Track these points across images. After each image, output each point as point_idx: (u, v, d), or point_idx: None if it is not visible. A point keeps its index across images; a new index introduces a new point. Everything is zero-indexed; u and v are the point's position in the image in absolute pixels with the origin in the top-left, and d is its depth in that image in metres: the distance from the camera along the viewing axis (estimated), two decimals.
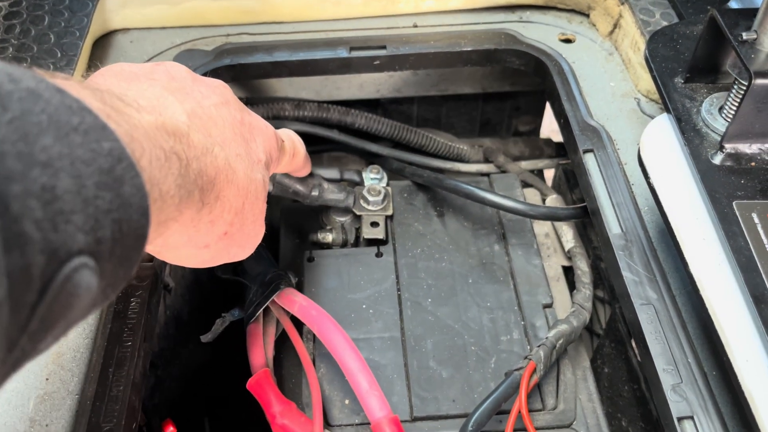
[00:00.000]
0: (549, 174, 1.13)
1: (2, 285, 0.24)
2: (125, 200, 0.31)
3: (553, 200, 0.89)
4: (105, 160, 0.30)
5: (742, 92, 0.52)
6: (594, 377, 0.75)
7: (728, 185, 0.53)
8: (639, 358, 0.77)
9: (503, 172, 0.96)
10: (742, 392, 0.48)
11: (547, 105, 1.11)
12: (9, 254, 0.24)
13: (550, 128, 1.22)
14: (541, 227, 0.89)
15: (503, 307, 0.77)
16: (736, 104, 0.55)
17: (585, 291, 0.77)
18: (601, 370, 0.83)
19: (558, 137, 1.06)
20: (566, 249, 0.84)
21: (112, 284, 0.32)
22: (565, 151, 1.01)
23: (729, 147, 0.55)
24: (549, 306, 0.78)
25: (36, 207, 0.26)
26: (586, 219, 0.77)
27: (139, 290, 0.60)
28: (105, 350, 0.56)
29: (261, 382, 0.65)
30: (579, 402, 0.72)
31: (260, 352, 0.69)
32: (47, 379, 0.56)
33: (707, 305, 0.50)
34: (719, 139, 0.56)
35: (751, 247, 0.48)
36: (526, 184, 0.93)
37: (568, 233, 0.85)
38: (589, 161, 0.71)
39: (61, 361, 0.57)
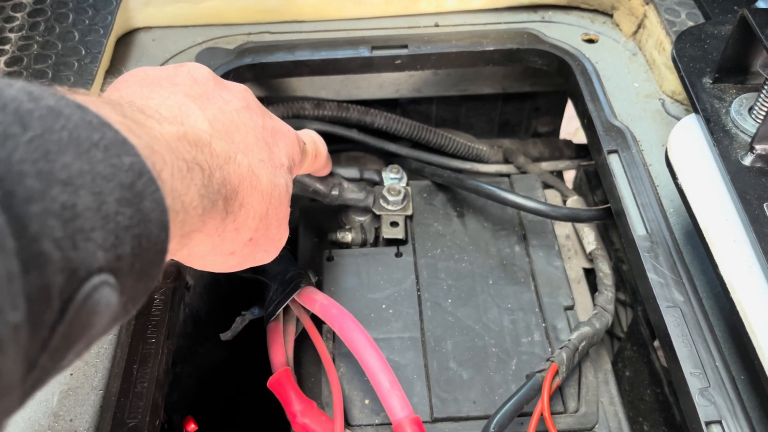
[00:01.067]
0: (568, 176, 1.12)
1: (21, 308, 0.24)
2: (145, 215, 0.31)
3: (574, 202, 0.89)
4: (125, 175, 0.30)
5: None
6: (615, 380, 0.74)
7: (759, 187, 0.52)
8: (663, 362, 0.76)
9: (523, 173, 0.96)
10: None
11: (567, 106, 1.10)
12: (27, 275, 0.24)
13: (566, 131, 1.21)
14: (562, 229, 0.88)
15: (524, 308, 0.77)
16: (767, 105, 0.54)
17: (607, 293, 0.76)
18: (622, 374, 0.82)
19: (576, 139, 1.05)
20: (588, 251, 0.84)
21: (133, 299, 0.32)
22: (584, 153, 1.01)
23: (759, 148, 0.54)
24: (570, 308, 0.77)
25: (56, 226, 0.25)
26: (609, 221, 0.76)
27: (163, 287, 0.60)
28: (129, 347, 0.56)
29: (281, 381, 0.65)
30: (601, 405, 0.71)
31: (281, 351, 0.69)
32: (71, 375, 0.56)
33: (738, 307, 0.49)
34: (749, 140, 0.55)
35: None
36: (546, 186, 0.93)
37: (589, 235, 0.84)
38: (614, 162, 0.71)
39: (86, 357, 0.57)
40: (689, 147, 0.58)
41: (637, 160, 0.70)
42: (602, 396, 0.73)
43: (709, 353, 0.55)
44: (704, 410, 0.52)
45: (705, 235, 0.53)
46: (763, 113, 0.55)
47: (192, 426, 0.63)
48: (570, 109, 1.05)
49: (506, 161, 1.00)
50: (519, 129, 1.12)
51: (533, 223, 0.85)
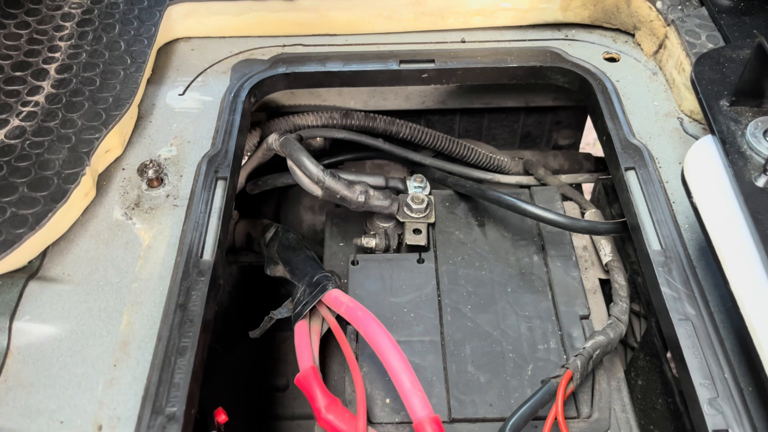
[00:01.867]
0: (587, 188, 1.14)
1: None
2: None
3: (592, 214, 0.91)
4: None
5: None
6: (628, 390, 0.77)
7: None
8: (675, 372, 0.78)
9: (543, 184, 0.98)
10: None
11: (588, 120, 1.13)
12: None
13: (584, 141, 1.23)
14: (580, 240, 0.91)
15: (541, 316, 0.79)
16: None
17: (622, 304, 0.79)
18: (634, 383, 0.84)
19: (596, 151, 1.08)
20: (604, 262, 0.86)
21: None
22: (604, 166, 1.03)
23: None
24: (586, 317, 0.79)
25: None
26: (625, 234, 0.79)
27: (200, 284, 0.64)
28: (168, 340, 0.60)
29: (308, 378, 0.69)
30: (613, 412, 0.74)
31: (307, 349, 0.72)
32: (115, 366, 0.60)
33: (747, 322, 0.51)
34: (763, 162, 0.57)
35: None
36: (565, 198, 0.95)
37: (606, 247, 0.87)
38: (631, 179, 0.73)
39: (128, 350, 0.61)
40: (705, 167, 0.60)
41: (653, 178, 0.72)
42: (615, 403, 0.75)
43: (718, 365, 0.58)
44: (712, 419, 0.55)
45: (717, 252, 0.55)
46: None
47: (222, 417, 0.66)
48: (590, 120, 1.08)
49: (526, 173, 1.03)
50: (540, 141, 1.15)
51: (552, 234, 0.88)
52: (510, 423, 0.65)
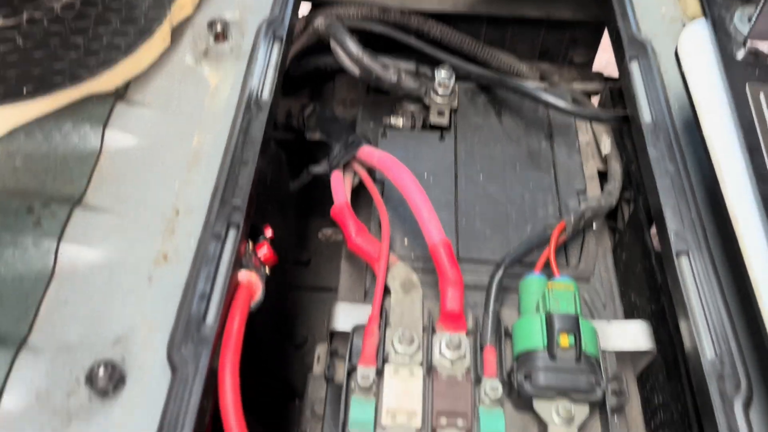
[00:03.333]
0: (595, 101, 1.25)
1: None
2: None
3: None
4: None
5: None
6: (613, 261, 0.89)
7: (745, 73, 0.66)
8: (655, 244, 0.90)
9: None
10: (733, 230, 0.62)
11: (602, 41, 1.23)
12: None
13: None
14: (584, 135, 1.02)
15: (543, 188, 0.91)
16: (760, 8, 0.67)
17: (615, 183, 0.90)
18: (619, 258, 0.96)
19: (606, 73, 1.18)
20: (603, 154, 0.98)
21: None
22: (613, 81, 1.13)
23: (750, 45, 0.67)
24: (582, 192, 0.91)
25: None
26: (624, 126, 0.90)
27: (260, 116, 0.75)
28: (233, 154, 0.72)
29: (342, 209, 0.81)
30: (598, 270, 0.86)
31: (341, 190, 0.84)
32: (188, 171, 0.72)
33: (711, 153, 0.63)
34: (743, 39, 0.68)
35: (754, 115, 0.61)
36: (575, 101, 1.06)
37: (606, 141, 0.98)
38: (633, 67, 0.84)
39: (199, 160, 0.73)
40: (696, 42, 0.71)
41: (653, 66, 0.83)
42: (600, 265, 0.87)
43: (687, 208, 0.70)
44: (676, 244, 0.67)
45: (695, 103, 0.66)
46: (756, 16, 0.68)
47: (270, 232, 0.78)
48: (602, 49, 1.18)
49: (542, 79, 1.14)
50: (557, 58, 1.25)
51: (560, 126, 0.99)
52: (508, 256, 0.77)
